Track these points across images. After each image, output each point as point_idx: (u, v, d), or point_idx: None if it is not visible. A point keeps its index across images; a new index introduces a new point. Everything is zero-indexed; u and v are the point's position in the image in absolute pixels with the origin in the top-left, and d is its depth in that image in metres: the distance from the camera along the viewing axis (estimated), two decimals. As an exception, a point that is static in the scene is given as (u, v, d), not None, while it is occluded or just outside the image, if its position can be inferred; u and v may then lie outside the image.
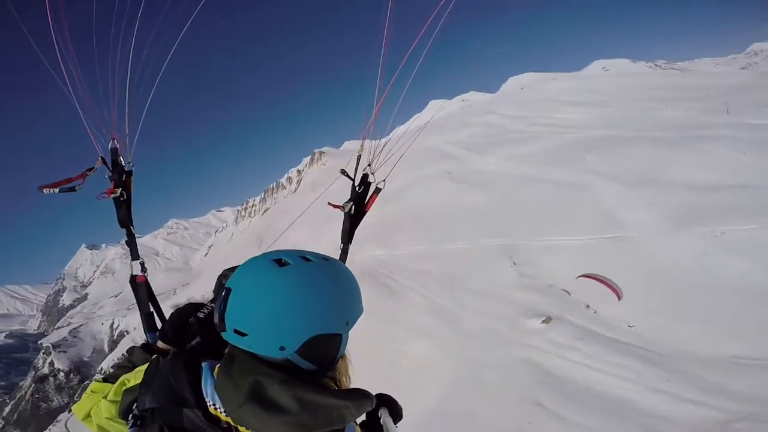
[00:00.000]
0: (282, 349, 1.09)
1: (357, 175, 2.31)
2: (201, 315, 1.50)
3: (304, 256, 1.18)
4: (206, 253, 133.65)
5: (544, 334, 13.37)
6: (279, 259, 1.16)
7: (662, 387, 10.13)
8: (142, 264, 2.02)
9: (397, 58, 2.07)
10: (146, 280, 1.97)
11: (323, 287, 1.15)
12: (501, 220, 22.74)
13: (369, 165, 2.32)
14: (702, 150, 21.80)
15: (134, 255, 2.02)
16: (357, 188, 2.30)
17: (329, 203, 2.48)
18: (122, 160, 2.10)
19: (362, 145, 2.36)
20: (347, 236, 2.27)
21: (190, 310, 1.53)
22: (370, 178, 2.32)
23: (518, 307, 15.43)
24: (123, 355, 1.57)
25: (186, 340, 1.47)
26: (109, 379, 1.44)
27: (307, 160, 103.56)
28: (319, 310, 1.12)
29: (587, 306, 13.88)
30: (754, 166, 18.37)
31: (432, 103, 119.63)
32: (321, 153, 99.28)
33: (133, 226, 2.05)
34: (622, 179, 21.59)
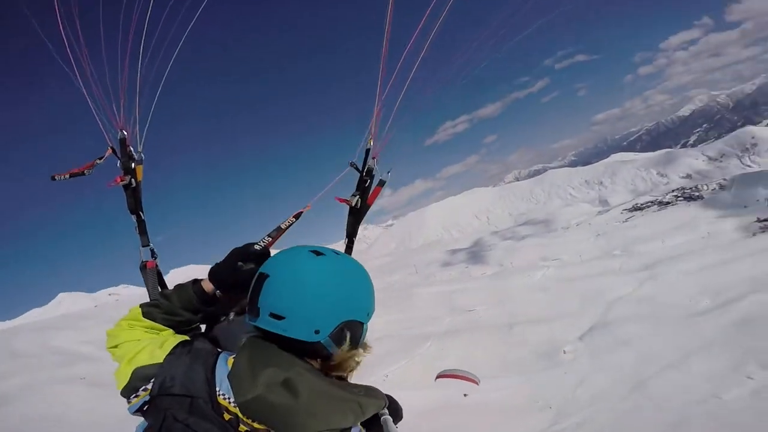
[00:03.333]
0: (317, 332, 1.17)
1: (364, 167, 2.24)
2: (258, 248, 1.52)
3: (335, 251, 1.30)
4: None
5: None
6: (315, 250, 1.26)
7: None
8: (152, 250, 2.04)
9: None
10: (156, 266, 1.97)
11: (355, 278, 1.27)
12: None
13: (374, 158, 2.24)
14: None
15: (144, 241, 2.04)
16: (363, 181, 2.23)
17: (337, 198, 2.35)
18: (132, 149, 2.14)
19: (371, 135, 2.22)
20: (353, 229, 2.23)
21: (248, 246, 1.54)
22: (374, 171, 2.25)
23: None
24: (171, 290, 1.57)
25: (236, 280, 1.46)
26: (150, 311, 1.46)
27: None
28: (352, 297, 1.24)
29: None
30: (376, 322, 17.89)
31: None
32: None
33: (143, 212, 2.07)
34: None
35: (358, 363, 1.31)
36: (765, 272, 18.11)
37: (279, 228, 1.75)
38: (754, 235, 28.67)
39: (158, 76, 2.13)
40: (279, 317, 1.16)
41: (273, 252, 1.50)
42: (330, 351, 1.22)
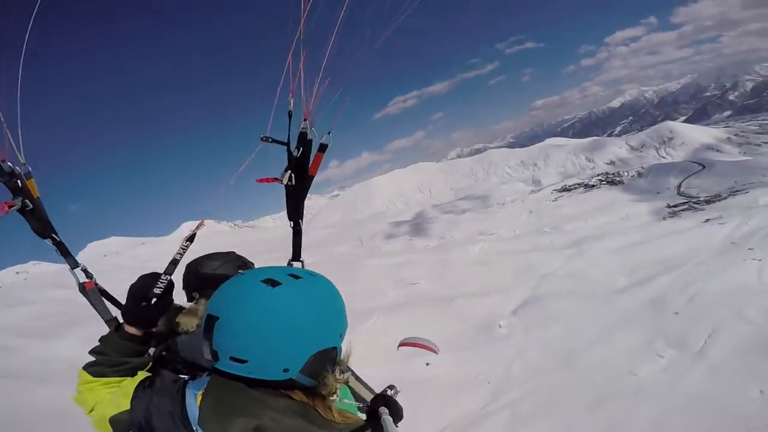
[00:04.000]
0: (286, 371, 1.08)
1: (292, 135, 1.91)
2: (158, 291, 1.45)
3: (292, 274, 1.15)
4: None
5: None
6: (269, 279, 1.11)
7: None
8: (85, 270, 1.80)
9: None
10: (96, 284, 1.79)
11: (319, 304, 1.14)
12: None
13: (305, 120, 1.89)
14: None
15: (71, 263, 1.80)
16: (296, 150, 1.89)
17: (259, 180, 1.96)
18: (10, 163, 1.70)
19: (292, 97, 1.86)
20: (295, 212, 1.97)
21: (146, 283, 1.46)
22: (311, 134, 1.91)
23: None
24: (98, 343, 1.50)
25: (150, 319, 1.46)
26: (97, 370, 1.42)
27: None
28: (318, 327, 1.12)
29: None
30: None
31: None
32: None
33: (56, 233, 1.77)
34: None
35: (343, 382, 1.21)
36: (672, 255, 20.40)
37: (174, 260, 1.57)
38: (664, 219, 32.29)
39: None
40: (241, 360, 1.06)
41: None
42: (305, 384, 1.12)
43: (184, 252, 1.64)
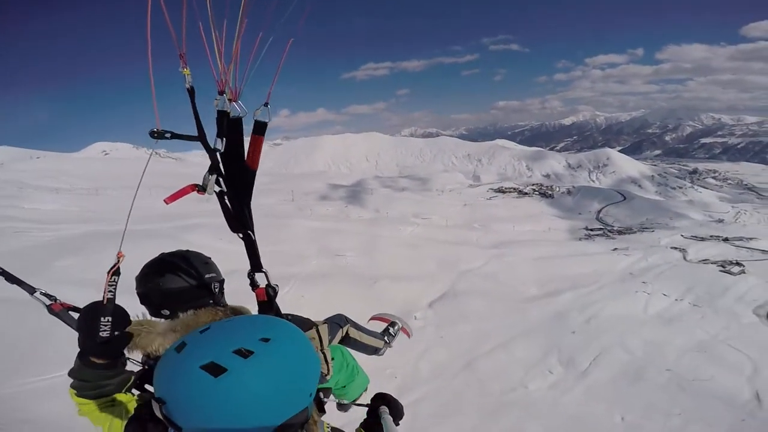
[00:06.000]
0: None
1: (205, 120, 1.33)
2: (105, 335, 1.32)
3: (264, 337, 1.00)
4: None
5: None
6: (210, 364, 0.94)
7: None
8: (46, 294, 1.76)
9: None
10: (63, 304, 1.73)
11: (276, 381, 0.98)
12: None
13: (221, 93, 1.29)
14: (187, 241, 19.85)
15: (27, 289, 1.77)
16: (218, 141, 1.32)
17: (167, 199, 1.36)
18: None
19: (185, 65, 1.27)
20: (240, 222, 1.43)
21: (89, 324, 1.33)
22: (234, 111, 1.31)
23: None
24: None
25: (110, 356, 1.37)
26: (81, 393, 1.40)
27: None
28: (276, 405, 0.99)
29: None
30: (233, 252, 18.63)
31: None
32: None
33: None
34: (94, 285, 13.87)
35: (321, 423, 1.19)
36: (579, 274, 22.25)
37: (109, 299, 1.32)
38: (579, 239, 35.39)
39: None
40: None
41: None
42: None
43: (114, 289, 1.35)
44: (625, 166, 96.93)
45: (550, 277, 21.73)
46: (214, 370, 0.94)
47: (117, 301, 1.36)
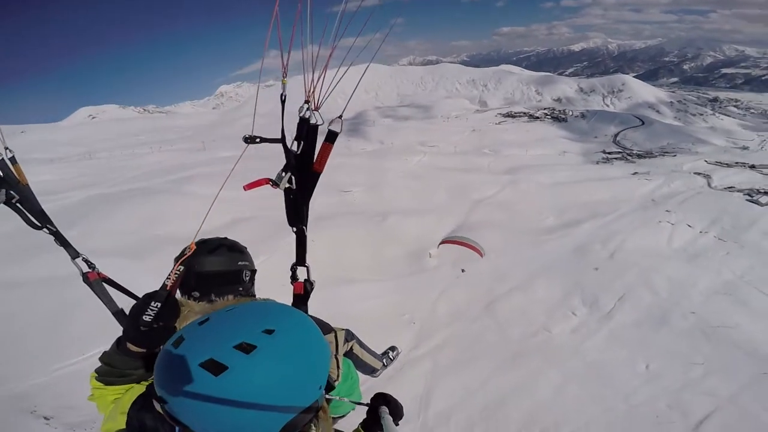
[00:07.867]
0: None
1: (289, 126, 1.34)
2: (147, 319, 1.29)
3: (267, 329, 0.94)
4: None
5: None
6: (210, 361, 0.90)
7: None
8: (86, 260, 1.66)
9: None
10: (99, 274, 1.67)
11: (280, 376, 0.92)
12: None
13: (306, 102, 1.37)
14: (187, 192, 20.26)
15: (72, 253, 1.66)
16: (295, 144, 1.42)
17: (246, 186, 1.44)
18: None
19: (284, 76, 1.37)
20: (298, 217, 1.52)
21: (141, 309, 1.31)
22: (314, 119, 1.40)
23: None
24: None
25: (147, 345, 1.33)
26: (105, 380, 1.39)
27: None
28: (294, 392, 0.95)
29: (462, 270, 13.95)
30: (233, 199, 16.18)
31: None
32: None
33: (51, 223, 1.63)
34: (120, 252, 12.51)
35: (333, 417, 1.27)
36: (598, 200, 21.25)
37: (164, 286, 1.32)
38: (597, 163, 33.74)
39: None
40: None
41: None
42: None
43: (177, 279, 1.33)
44: (641, 91, 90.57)
45: (567, 204, 20.78)
46: (215, 368, 0.89)
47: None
